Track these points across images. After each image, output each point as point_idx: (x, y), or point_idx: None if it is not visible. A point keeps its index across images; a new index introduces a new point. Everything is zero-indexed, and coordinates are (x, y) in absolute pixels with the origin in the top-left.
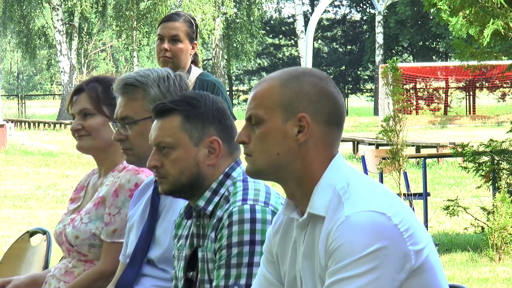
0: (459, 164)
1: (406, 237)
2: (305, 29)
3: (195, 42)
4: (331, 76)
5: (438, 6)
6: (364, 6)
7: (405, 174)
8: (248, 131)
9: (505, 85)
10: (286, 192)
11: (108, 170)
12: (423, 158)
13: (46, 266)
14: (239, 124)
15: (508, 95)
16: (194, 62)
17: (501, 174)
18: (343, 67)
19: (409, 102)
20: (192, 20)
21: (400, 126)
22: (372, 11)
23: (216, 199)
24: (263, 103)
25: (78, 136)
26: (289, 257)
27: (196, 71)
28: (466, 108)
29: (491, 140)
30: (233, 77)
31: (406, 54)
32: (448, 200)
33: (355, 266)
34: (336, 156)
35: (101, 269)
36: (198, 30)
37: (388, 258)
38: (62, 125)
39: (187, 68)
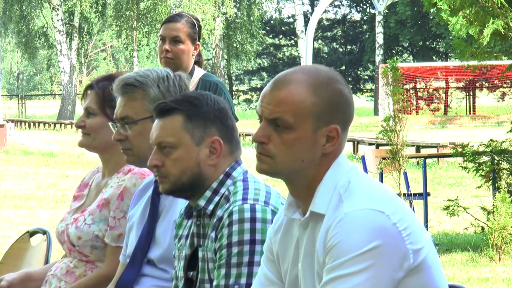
0: (459, 164)
1: (404, 236)
2: (305, 29)
3: (198, 43)
4: None
5: (438, 6)
6: (364, 6)
7: (405, 174)
8: (268, 132)
9: (505, 85)
10: (292, 191)
11: (113, 171)
12: (423, 158)
13: None
14: (240, 124)
15: (508, 95)
16: (198, 62)
17: (501, 174)
18: (343, 67)
19: (409, 102)
20: (194, 21)
21: (400, 126)
22: (372, 11)
23: (217, 198)
24: (295, 109)
25: (82, 133)
26: (291, 256)
27: (199, 72)
28: (466, 108)
29: (491, 140)
30: (233, 77)
31: (406, 54)
32: (448, 200)
33: (351, 264)
34: (339, 155)
35: (105, 273)
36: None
37: (386, 256)
38: (62, 125)
39: (189, 69)
